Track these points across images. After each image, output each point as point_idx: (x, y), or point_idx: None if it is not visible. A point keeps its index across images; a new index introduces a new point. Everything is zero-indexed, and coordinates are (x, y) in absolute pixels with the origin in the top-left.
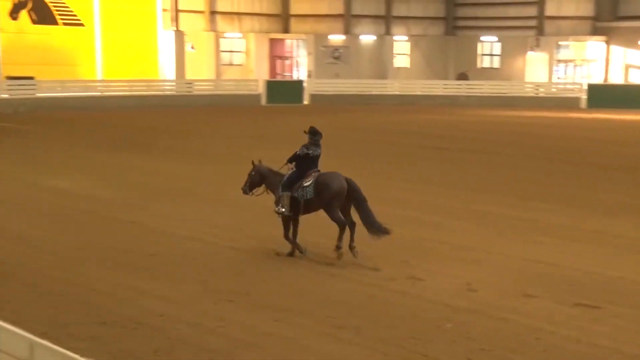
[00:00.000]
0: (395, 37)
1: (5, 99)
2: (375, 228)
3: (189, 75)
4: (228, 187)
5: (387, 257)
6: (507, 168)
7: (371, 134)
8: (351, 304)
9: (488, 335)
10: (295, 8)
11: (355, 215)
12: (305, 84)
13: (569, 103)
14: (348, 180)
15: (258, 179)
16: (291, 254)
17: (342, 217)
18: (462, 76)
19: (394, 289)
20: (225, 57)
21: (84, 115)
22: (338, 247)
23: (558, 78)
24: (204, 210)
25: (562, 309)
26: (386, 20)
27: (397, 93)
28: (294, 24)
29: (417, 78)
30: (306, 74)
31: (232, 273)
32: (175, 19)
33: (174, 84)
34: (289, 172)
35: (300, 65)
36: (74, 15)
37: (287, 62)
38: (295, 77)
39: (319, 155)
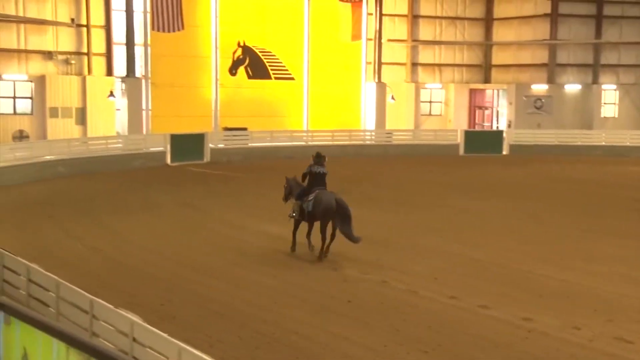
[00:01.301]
0: (603, 86)
1: (221, 149)
2: (347, 236)
3: (389, 125)
4: (425, 235)
5: (589, 315)
6: None
7: (577, 185)
8: None
9: None
10: (497, 58)
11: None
12: (505, 134)
13: None
14: (338, 200)
15: (289, 190)
16: (293, 249)
17: (326, 232)
18: None
19: (598, 349)
20: (424, 107)
21: (289, 164)
22: (321, 257)
23: None
24: (400, 257)
25: None
26: (594, 69)
27: (604, 144)
28: (495, 73)
29: (626, 128)
30: (506, 123)
31: (424, 322)
32: (378, 72)
33: (373, 133)
34: (303, 187)
35: (500, 115)
36: (286, 70)
37: (487, 112)
38: (494, 127)
39: (324, 173)
